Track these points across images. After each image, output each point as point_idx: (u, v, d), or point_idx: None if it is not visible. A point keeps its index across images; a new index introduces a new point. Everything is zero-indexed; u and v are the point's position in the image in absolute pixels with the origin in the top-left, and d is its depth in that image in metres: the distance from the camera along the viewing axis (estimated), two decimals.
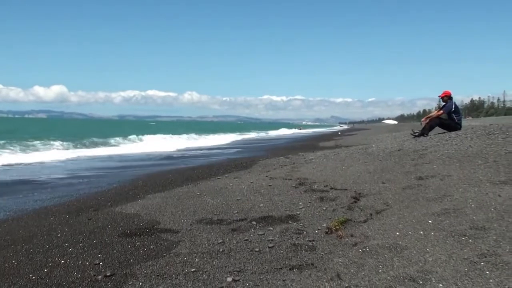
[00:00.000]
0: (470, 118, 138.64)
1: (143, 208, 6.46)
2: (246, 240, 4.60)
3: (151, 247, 4.58)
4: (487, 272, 3.07)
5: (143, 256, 4.32)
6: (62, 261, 4.25)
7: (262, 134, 58.81)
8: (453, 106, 15.18)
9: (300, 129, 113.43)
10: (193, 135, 46.95)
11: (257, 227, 5.07)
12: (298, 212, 5.59)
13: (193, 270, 3.82)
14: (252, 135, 52.30)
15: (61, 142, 27.77)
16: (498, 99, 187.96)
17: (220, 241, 4.62)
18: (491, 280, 2.95)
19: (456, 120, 15.10)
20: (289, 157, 13.03)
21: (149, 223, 5.52)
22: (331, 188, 6.86)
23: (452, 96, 15.34)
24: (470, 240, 3.72)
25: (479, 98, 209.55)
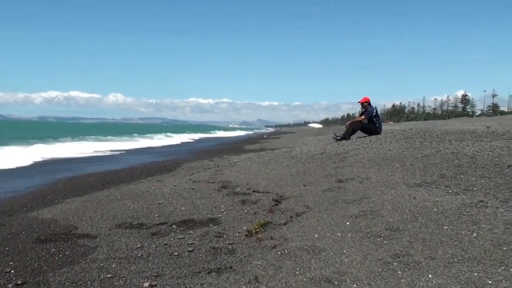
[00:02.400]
0: (391, 122, 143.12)
1: (60, 212, 6.21)
2: (166, 244, 4.51)
3: (67, 253, 4.40)
4: (399, 272, 3.14)
5: (58, 262, 4.14)
6: None
7: (198, 136, 57.79)
8: (374, 111, 15.66)
9: (222, 130, 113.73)
10: (122, 137, 45.87)
11: (178, 231, 4.99)
12: (219, 215, 5.55)
13: (109, 276, 3.70)
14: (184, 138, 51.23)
15: None
16: (418, 105, 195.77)
17: (139, 245, 4.51)
18: (402, 280, 3.02)
19: (377, 125, 15.59)
20: (213, 160, 12.98)
21: (66, 229, 5.32)
22: (254, 191, 6.87)
23: (370, 101, 15.84)
24: (385, 241, 3.81)
25: (400, 103, 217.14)
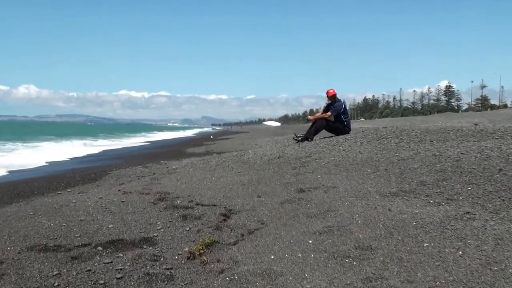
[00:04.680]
0: (362, 119, 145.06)
1: None
2: (89, 270, 4.44)
3: None
4: None
5: None
6: None
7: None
8: (342, 106, 15.74)
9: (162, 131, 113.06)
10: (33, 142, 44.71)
11: (104, 253, 4.92)
12: (155, 234, 5.50)
13: None
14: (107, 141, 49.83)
15: None
16: (394, 98, 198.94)
17: (56, 272, 4.42)
18: None
19: (345, 123, 15.69)
20: (148, 166, 12.87)
21: None
22: (197, 204, 6.84)
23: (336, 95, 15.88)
24: (355, 262, 3.85)
25: (373, 96, 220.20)
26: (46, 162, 19.54)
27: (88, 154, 26.06)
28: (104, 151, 29.38)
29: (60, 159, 21.92)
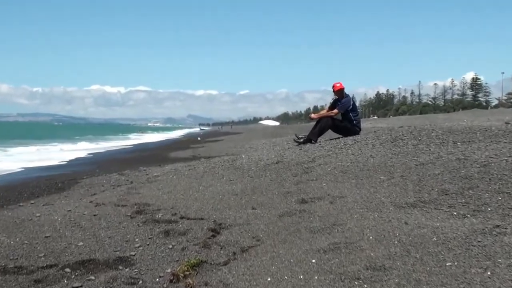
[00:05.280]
0: (375, 117, 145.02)
1: None
2: None
3: None
4: None
5: None
6: None
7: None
8: (351, 103, 15.66)
9: (142, 132, 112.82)
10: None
11: (72, 276, 4.92)
12: (132, 253, 5.50)
13: None
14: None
15: None
16: (412, 93, 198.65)
17: None
18: None
19: (354, 122, 15.61)
20: (125, 173, 12.89)
21: None
22: (182, 218, 6.84)
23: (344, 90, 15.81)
24: (366, 285, 3.85)
25: (388, 91, 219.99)
26: (5, 170, 19.44)
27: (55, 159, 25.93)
28: (76, 157, 28.87)
29: (22, 165, 21.85)
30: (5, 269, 5.20)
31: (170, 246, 5.67)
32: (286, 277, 4.26)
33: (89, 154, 30.82)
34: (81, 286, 4.64)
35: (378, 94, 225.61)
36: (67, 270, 5.08)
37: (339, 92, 15.66)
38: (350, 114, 15.49)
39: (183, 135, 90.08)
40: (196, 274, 4.71)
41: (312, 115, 16.27)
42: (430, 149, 9.94)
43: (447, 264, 4.04)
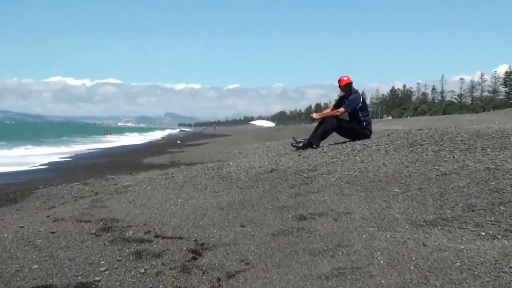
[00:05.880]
0: (389, 118, 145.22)
1: None
2: None
3: None
4: None
5: None
6: None
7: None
8: (360, 100, 15.56)
9: (108, 133, 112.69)
10: None
11: None
12: (97, 278, 5.48)
13: None
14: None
15: None
16: (434, 89, 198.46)
17: None
18: None
19: (364, 123, 15.55)
20: (89, 182, 12.88)
21: None
22: (156, 236, 6.82)
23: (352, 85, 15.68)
24: None
25: (404, 86, 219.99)
26: None
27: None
28: (30, 162, 28.99)
29: None
30: None
31: (142, 270, 5.65)
32: None
33: (47, 159, 30.80)
34: None
35: (393, 90, 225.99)
36: None
37: (346, 87, 15.56)
38: (359, 113, 15.39)
39: (160, 138, 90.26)
40: None
41: (314, 115, 16.25)
42: (454, 157, 9.91)
43: None
